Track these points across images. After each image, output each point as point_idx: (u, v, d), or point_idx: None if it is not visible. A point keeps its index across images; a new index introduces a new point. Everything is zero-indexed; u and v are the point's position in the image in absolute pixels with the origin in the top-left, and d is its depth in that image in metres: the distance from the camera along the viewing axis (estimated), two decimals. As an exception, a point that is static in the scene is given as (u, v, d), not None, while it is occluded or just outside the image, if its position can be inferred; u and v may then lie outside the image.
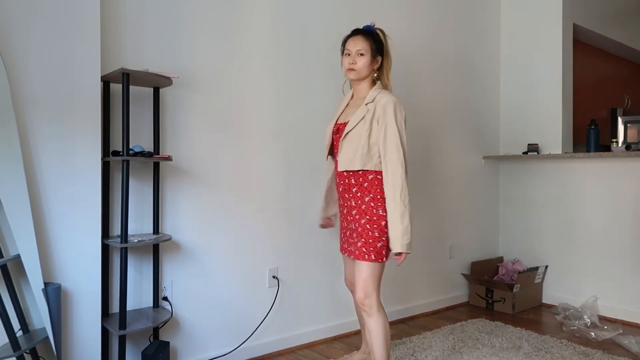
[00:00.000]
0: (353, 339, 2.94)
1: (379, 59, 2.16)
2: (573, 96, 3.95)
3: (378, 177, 2.08)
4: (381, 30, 2.20)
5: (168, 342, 2.23)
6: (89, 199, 2.00)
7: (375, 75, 2.18)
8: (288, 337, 2.78)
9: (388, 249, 2.05)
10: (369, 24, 2.22)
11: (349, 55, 2.15)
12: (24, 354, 1.77)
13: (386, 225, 2.04)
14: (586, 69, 4.30)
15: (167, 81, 2.17)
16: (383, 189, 2.06)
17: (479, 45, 3.91)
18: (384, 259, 2.05)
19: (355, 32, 2.17)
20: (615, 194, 3.35)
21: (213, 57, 2.51)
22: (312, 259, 2.90)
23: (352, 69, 2.13)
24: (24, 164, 1.81)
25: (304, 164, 2.86)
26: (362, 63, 2.12)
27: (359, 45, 2.12)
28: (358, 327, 3.09)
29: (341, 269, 2.83)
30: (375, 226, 2.05)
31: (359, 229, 2.08)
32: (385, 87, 2.19)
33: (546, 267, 3.71)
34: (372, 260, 2.03)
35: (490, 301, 3.57)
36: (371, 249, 2.04)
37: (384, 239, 2.04)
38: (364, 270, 2.05)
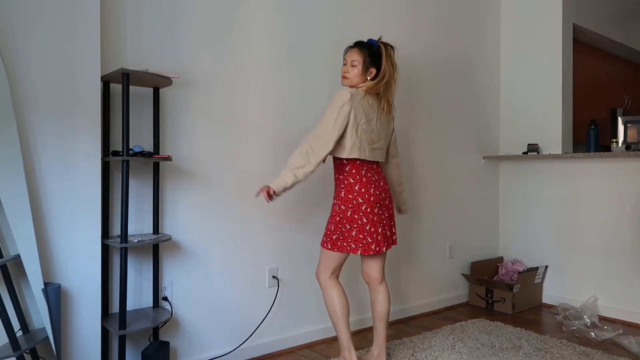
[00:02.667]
0: (353, 339, 2.93)
1: (373, 70, 2.32)
2: (573, 96, 3.95)
3: (340, 177, 2.34)
4: (384, 44, 2.34)
5: (168, 342, 2.23)
6: (89, 199, 2.00)
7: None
8: (288, 337, 2.78)
9: (344, 242, 2.28)
10: (373, 38, 2.38)
11: (345, 64, 2.36)
12: (24, 354, 1.77)
13: (340, 221, 2.28)
14: (586, 69, 4.30)
15: (167, 81, 2.17)
16: (341, 187, 2.31)
17: (479, 45, 3.91)
18: (336, 250, 2.30)
19: (354, 45, 2.36)
20: (615, 194, 3.35)
21: (213, 57, 2.51)
22: (312, 259, 2.90)
23: (345, 77, 2.35)
24: (23, 164, 1.81)
25: (304, 164, 2.86)
26: (354, 73, 2.32)
27: (353, 56, 2.32)
28: (358, 327, 3.10)
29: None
30: (332, 220, 2.32)
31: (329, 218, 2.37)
32: (371, 90, 2.31)
33: (546, 267, 3.71)
34: (327, 248, 2.33)
35: (490, 301, 3.57)
36: (327, 239, 2.33)
37: (337, 232, 2.29)
38: (320, 253, 2.38)
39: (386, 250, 2.33)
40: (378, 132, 2.34)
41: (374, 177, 2.33)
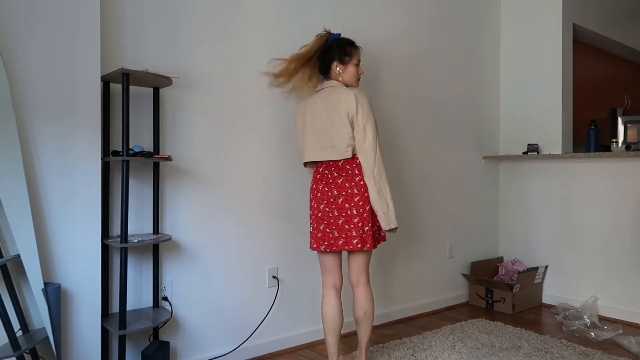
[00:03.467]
0: (353, 339, 2.94)
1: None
2: (573, 96, 3.95)
3: None
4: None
5: (168, 342, 2.23)
6: (89, 199, 2.00)
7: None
8: (288, 337, 2.78)
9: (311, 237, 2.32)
10: (332, 32, 2.40)
11: (358, 65, 2.34)
12: (24, 354, 1.77)
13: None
14: (586, 69, 4.30)
15: (167, 81, 2.17)
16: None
17: (479, 45, 3.91)
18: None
19: (356, 45, 2.35)
20: (615, 194, 3.35)
21: (213, 57, 2.51)
22: (312, 259, 2.90)
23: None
24: (23, 164, 1.81)
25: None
26: None
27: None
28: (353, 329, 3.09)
29: (341, 269, 2.83)
30: None
31: None
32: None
33: (546, 267, 3.71)
34: None
35: (490, 301, 3.57)
36: None
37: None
38: None
39: (325, 249, 2.23)
40: (318, 129, 2.25)
41: (331, 174, 2.25)
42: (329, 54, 2.29)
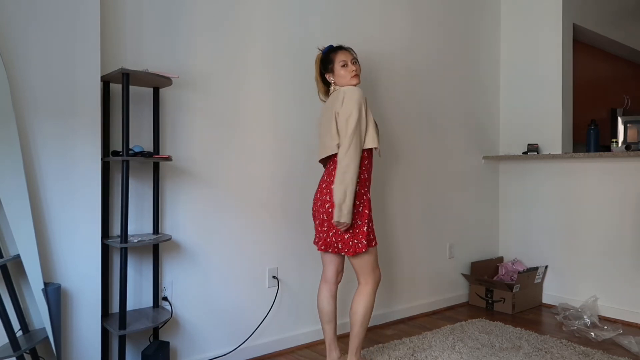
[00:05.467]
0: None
1: None
2: (573, 96, 3.95)
3: None
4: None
5: (168, 342, 2.23)
6: (89, 199, 2.00)
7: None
8: (288, 337, 2.78)
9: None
10: (324, 47, 2.44)
11: (346, 65, 2.32)
12: (24, 354, 1.77)
13: None
14: (586, 69, 4.30)
15: (167, 81, 2.17)
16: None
17: (479, 45, 3.91)
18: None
19: (340, 47, 2.38)
20: (615, 194, 3.35)
21: (213, 57, 2.51)
22: (313, 259, 2.90)
23: (358, 75, 2.34)
24: (23, 164, 1.81)
25: (304, 163, 2.86)
26: (359, 67, 2.39)
27: (351, 55, 2.36)
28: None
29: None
30: None
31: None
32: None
33: (546, 267, 3.71)
34: None
35: (490, 301, 3.57)
36: None
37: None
38: None
39: (324, 250, 2.31)
40: (321, 130, 2.35)
41: (321, 178, 2.36)
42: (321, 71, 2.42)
